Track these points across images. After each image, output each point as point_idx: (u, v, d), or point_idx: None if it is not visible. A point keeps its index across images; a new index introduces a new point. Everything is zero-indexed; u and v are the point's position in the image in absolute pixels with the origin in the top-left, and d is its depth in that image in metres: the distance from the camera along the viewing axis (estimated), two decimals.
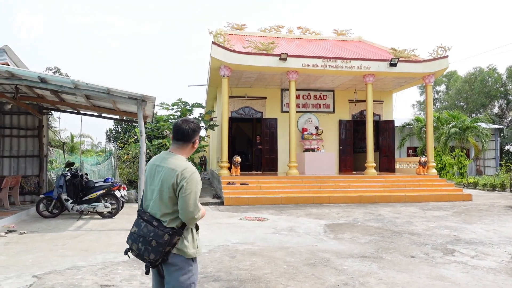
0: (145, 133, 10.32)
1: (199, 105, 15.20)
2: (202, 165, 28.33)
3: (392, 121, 16.83)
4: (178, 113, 14.87)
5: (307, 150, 15.05)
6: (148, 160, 3.09)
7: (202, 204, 2.41)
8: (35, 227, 7.54)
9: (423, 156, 14.94)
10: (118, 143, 18.02)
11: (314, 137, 15.33)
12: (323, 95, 16.59)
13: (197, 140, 2.38)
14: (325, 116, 16.48)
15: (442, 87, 40.06)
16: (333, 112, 16.62)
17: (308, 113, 16.37)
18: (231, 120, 15.23)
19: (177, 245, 2.18)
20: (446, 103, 37.40)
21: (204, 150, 17.40)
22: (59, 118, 18.43)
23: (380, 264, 4.98)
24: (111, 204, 8.67)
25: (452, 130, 20.17)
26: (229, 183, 12.10)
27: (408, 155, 23.80)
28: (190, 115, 15.06)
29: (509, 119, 32.66)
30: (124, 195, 9.09)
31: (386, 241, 6.33)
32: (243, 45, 14.04)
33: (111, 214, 8.65)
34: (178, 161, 2.23)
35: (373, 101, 14.47)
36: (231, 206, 10.78)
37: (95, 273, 4.51)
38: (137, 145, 13.84)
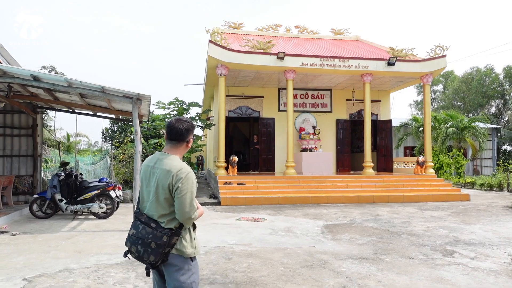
0: (142, 132, 10.17)
1: (195, 104, 15.06)
2: (199, 164, 28.17)
3: (390, 121, 16.78)
4: (175, 112, 14.72)
5: (304, 149, 14.97)
6: (144, 160, 3.00)
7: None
8: (28, 228, 7.41)
9: (421, 155, 14.88)
10: (114, 143, 17.87)
11: (311, 136, 15.26)
12: (321, 95, 16.51)
13: (191, 139, 2.37)
14: (323, 116, 16.40)
15: (439, 87, 40.10)
16: (331, 111, 16.55)
17: (305, 112, 16.30)
18: (228, 119, 15.12)
19: (176, 245, 2.18)
20: (443, 103, 37.44)
21: (201, 150, 17.25)
22: (54, 117, 18.29)
23: (379, 266, 4.89)
24: (106, 204, 8.56)
25: (450, 129, 20.14)
26: (226, 183, 12.00)
27: (406, 155, 23.76)
28: (186, 114, 14.93)
29: (506, 119, 32.70)
30: (120, 195, 8.97)
31: (384, 242, 6.25)
32: (240, 43, 13.94)
33: (106, 215, 8.53)
34: (173, 162, 2.22)
35: (371, 100, 14.42)
36: (228, 206, 10.68)
37: (88, 276, 4.39)
38: (133, 145, 13.67)
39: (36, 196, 8.74)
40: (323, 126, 16.09)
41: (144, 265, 2.36)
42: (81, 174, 9.36)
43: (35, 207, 8.47)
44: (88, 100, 8.93)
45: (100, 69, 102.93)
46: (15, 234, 6.71)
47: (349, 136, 16.58)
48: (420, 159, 14.02)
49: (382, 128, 16.58)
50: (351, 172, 15.94)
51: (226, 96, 13.68)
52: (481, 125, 21.48)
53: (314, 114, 16.35)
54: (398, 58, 13.68)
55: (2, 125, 10.82)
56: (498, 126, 27.56)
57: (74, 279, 4.30)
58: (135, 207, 2.45)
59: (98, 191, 8.51)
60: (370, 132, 14.11)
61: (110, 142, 21.85)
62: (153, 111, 17.39)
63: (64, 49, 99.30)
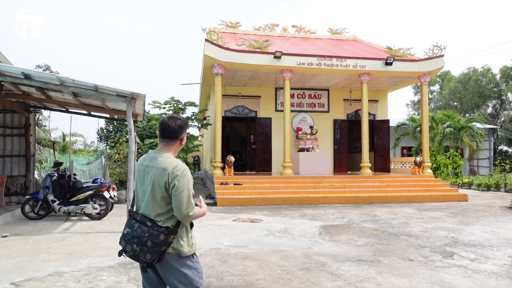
0: (137, 132, 10.00)
1: (192, 104, 14.93)
2: (195, 165, 27.99)
3: (387, 121, 16.72)
4: (171, 112, 14.59)
5: (301, 149, 14.86)
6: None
7: (195, 205, 2.25)
8: (19, 229, 7.25)
9: (419, 156, 14.82)
10: (109, 143, 17.69)
11: (308, 136, 15.16)
12: (318, 94, 16.42)
13: (185, 137, 2.35)
14: (320, 116, 16.31)
15: (436, 87, 40.17)
16: (328, 111, 16.45)
17: (302, 112, 16.20)
18: (225, 119, 14.99)
19: (173, 244, 2.16)
20: (440, 103, 37.50)
21: (198, 150, 17.10)
22: (49, 117, 18.09)
23: (378, 268, 4.79)
24: (100, 205, 8.41)
25: (447, 130, 20.13)
26: (222, 183, 11.87)
27: (403, 155, 23.75)
28: (183, 114, 14.79)
29: (502, 119, 32.79)
30: (114, 195, 8.83)
31: (383, 244, 6.14)
32: (237, 43, 13.82)
33: (99, 216, 8.38)
34: (168, 160, 2.21)
35: (368, 100, 14.33)
36: (224, 207, 10.55)
37: (78, 280, 4.26)
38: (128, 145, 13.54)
39: (28, 197, 8.58)
40: (320, 126, 15.99)
41: (138, 268, 2.28)
42: (74, 174, 9.20)
43: (27, 208, 8.30)
44: (82, 99, 8.78)
45: (98, 67, 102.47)
46: (6, 236, 6.55)
47: (346, 136, 16.50)
48: (418, 159, 13.95)
49: (379, 128, 16.51)
50: (349, 172, 15.85)
51: (223, 95, 13.54)
52: (478, 125, 21.50)
53: (311, 114, 16.25)
54: (395, 58, 13.60)
55: None
56: (495, 126, 27.61)
57: (64, 283, 4.16)
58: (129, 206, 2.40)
59: (92, 192, 8.36)
60: (368, 132, 14.02)
61: (105, 142, 21.66)
62: (148, 111, 17.24)
63: (64, 49, 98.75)
